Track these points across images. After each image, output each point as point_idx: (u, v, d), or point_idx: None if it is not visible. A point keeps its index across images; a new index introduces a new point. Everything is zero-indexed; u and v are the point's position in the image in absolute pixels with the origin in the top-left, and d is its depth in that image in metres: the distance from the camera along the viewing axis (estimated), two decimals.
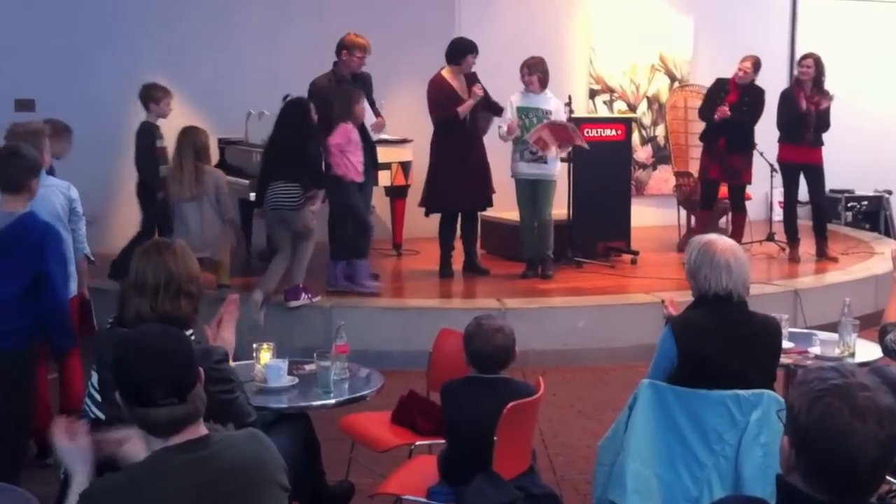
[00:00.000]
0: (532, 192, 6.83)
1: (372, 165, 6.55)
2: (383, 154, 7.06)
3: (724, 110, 7.30)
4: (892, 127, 9.88)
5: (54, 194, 4.39)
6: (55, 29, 7.75)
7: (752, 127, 7.46)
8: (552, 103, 6.84)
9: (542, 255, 6.89)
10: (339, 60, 6.57)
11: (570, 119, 7.21)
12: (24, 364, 3.73)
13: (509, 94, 6.87)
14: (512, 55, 7.11)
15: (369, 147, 6.50)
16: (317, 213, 6.03)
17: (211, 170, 6.03)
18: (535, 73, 6.73)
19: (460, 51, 6.70)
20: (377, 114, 6.88)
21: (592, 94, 9.42)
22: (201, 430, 2.01)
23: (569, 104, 7.18)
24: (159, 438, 1.97)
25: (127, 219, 7.96)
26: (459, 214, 6.95)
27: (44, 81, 7.74)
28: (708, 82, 7.90)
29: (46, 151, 4.54)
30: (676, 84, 9.51)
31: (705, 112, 7.54)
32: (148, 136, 6.29)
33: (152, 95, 6.29)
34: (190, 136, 5.91)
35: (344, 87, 6.38)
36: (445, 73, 6.77)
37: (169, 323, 2.63)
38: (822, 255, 7.63)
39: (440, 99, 6.72)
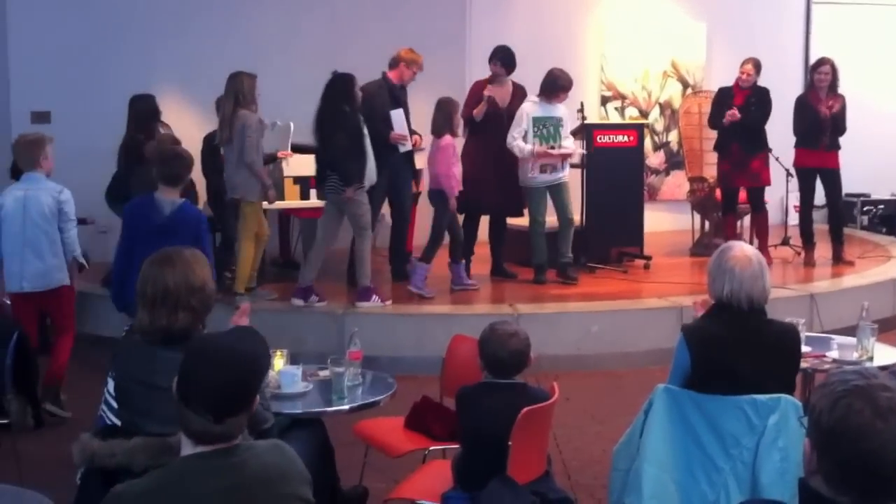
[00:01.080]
0: (548, 198, 6.86)
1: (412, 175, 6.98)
2: None
3: (734, 113, 7.28)
4: None
5: (45, 196, 4.94)
6: (70, 43, 7.79)
7: (763, 126, 7.44)
8: (561, 110, 6.86)
9: (564, 258, 6.89)
10: (391, 72, 6.81)
11: (583, 125, 7.22)
12: None
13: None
14: (523, 63, 7.11)
15: (409, 157, 6.80)
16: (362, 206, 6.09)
17: (242, 113, 6.05)
18: (566, 91, 6.82)
19: (511, 58, 6.91)
20: (412, 132, 6.98)
21: (604, 101, 9.41)
22: (233, 441, 2.01)
23: (581, 110, 7.19)
24: (191, 441, 1.98)
25: None
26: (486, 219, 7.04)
27: (59, 94, 7.79)
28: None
29: (46, 158, 5.01)
30: (689, 90, 9.48)
31: (714, 119, 7.53)
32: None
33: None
34: (233, 81, 6.08)
35: (443, 101, 6.56)
36: (492, 81, 6.91)
37: (166, 336, 2.65)
38: (838, 259, 7.60)
39: (469, 100, 6.90)
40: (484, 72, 7.16)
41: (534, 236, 6.92)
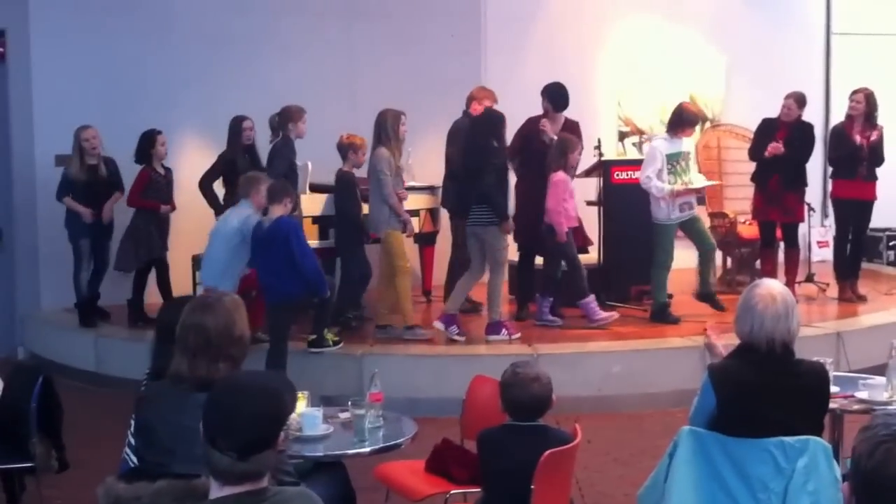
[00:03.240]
0: (679, 233, 6.88)
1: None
2: (411, 201, 7.09)
3: (777, 146, 7.20)
4: None
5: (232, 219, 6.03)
6: (93, 86, 7.89)
7: (805, 163, 7.39)
8: (688, 144, 6.94)
9: (709, 287, 6.89)
10: (471, 108, 7.08)
11: (600, 161, 7.21)
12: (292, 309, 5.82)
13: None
14: (539, 101, 7.13)
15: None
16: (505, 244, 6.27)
17: (377, 150, 6.34)
18: (694, 125, 6.90)
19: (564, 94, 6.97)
20: None
21: (622, 136, 9.40)
22: (261, 483, 2.00)
23: (598, 147, 7.17)
24: (218, 482, 1.97)
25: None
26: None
27: None
28: (741, 121, 7.87)
29: (259, 195, 5.92)
30: (708, 124, 9.46)
31: (755, 152, 7.43)
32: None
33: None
34: (379, 117, 6.39)
35: (561, 138, 6.70)
36: (546, 118, 6.96)
37: (202, 386, 2.62)
38: (854, 293, 7.49)
39: (518, 135, 7.00)
40: (499, 108, 7.16)
41: (661, 274, 6.84)
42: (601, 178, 7.25)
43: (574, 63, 8.96)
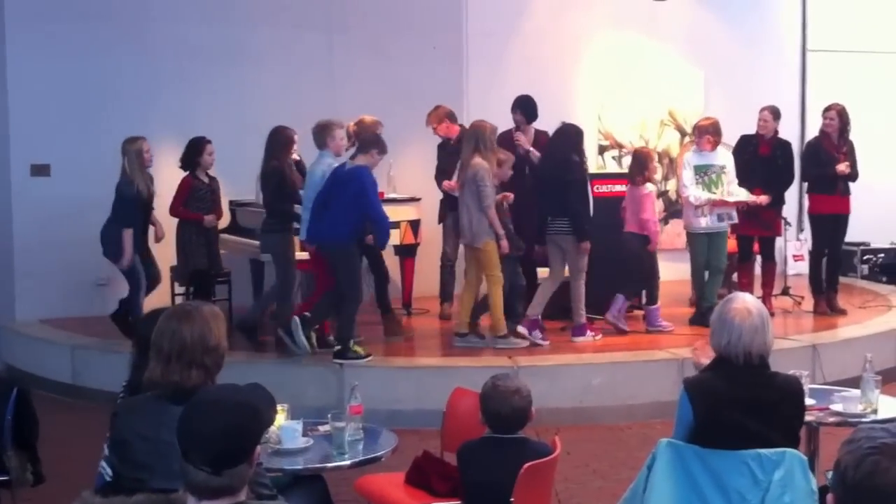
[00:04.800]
0: (707, 244, 7.02)
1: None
2: (392, 213, 7.08)
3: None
4: None
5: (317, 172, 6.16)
6: (68, 96, 7.85)
7: (790, 185, 7.54)
8: (722, 157, 7.08)
9: (709, 303, 6.91)
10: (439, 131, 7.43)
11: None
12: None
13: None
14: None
15: None
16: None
17: (476, 161, 6.29)
18: (705, 134, 7.00)
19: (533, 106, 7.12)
20: None
21: (602, 150, 9.47)
22: (239, 497, 1.99)
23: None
24: (194, 497, 1.96)
25: None
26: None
27: (58, 147, 7.83)
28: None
29: (335, 140, 6.22)
30: (687, 138, 9.54)
31: (742, 172, 7.39)
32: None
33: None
34: (474, 128, 6.41)
35: (637, 151, 7.14)
36: (518, 130, 7.08)
37: (177, 391, 2.62)
38: (832, 307, 7.56)
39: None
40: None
41: (695, 281, 7.18)
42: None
43: (554, 77, 9.03)
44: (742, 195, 7.09)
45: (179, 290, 7.45)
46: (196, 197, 6.89)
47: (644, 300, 7.18)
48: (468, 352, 6.50)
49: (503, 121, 7.18)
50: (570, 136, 6.56)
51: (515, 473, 3.03)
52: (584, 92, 9.37)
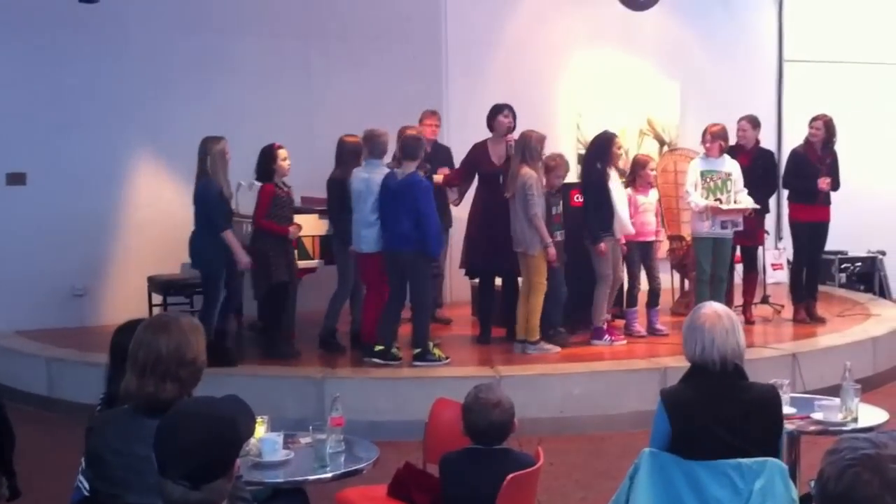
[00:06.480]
0: (712, 250, 7.01)
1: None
2: None
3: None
4: (883, 187, 9.97)
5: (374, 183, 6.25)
6: (45, 104, 7.77)
7: (773, 193, 7.60)
8: (729, 165, 7.08)
9: None
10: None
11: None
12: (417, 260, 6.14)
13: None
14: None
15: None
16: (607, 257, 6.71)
17: (525, 170, 6.37)
18: (717, 140, 7.03)
19: (491, 114, 7.07)
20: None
21: (581, 159, 9.48)
22: None
23: None
24: None
25: (113, 293, 7.94)
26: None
27: (34, 156, 7.75)
28: (696, 146, 7.94)
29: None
30: (665, 148, 9.59)
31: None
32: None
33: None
34: (522, 138, 6.50)
35: (636, 157, 7.46)
36: (490, 140, 7.07)
37: (151, 403, 2.58)
38: (810, 315, 7.60)
39: (464, 161, 7.14)
40: (460, 133, 7.22)
41: (700, 285, 7.09)
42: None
43: (534, 87, 9.05)
44: (744, 204, 7.07)
45: (157, 299, 7.38)
46: (278, 206, 6.43)
47: (625, 305, 7.21)
48: (451, 361, 6.38)
49: (482, 131, 7.18)
50: (598, 143, 6.89)
51: (498, 485, 3.01)
52: (563, 101, 9.41)
